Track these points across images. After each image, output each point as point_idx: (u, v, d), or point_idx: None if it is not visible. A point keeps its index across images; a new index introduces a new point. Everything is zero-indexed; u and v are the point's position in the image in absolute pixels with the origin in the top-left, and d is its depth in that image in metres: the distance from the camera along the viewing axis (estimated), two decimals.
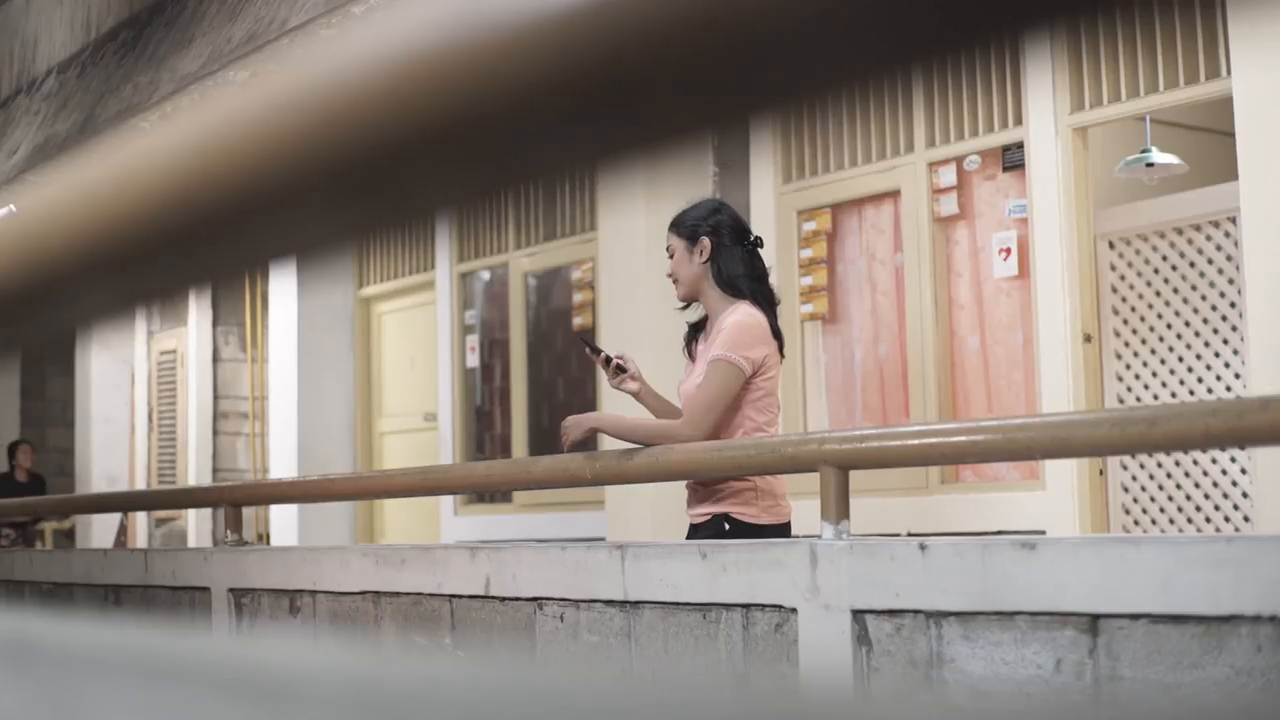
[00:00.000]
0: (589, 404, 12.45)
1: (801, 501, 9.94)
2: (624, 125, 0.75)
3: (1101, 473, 9.29)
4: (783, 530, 5.92)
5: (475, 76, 0.77)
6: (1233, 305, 8.97)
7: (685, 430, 5.89)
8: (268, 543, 14.90)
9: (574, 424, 6.19)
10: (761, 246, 6.19)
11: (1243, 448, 8.16)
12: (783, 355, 6.11)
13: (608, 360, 6.15)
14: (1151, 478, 9.22)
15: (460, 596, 6.18)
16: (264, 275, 13.62)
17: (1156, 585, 3.96)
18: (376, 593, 6.62)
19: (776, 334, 6.01)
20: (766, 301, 6.05)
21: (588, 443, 6.16)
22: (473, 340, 13.98)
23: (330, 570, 6.92)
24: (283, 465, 15.16)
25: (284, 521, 14.76)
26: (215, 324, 17.21)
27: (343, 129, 0.84)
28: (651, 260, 11.03)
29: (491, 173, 0.82)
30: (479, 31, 0.76)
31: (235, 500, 8.17)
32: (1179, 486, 9.07)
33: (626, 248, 11.20)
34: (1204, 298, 9.12)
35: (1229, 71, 8.43)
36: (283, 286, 15.21)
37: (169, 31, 15.24)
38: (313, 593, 7.02)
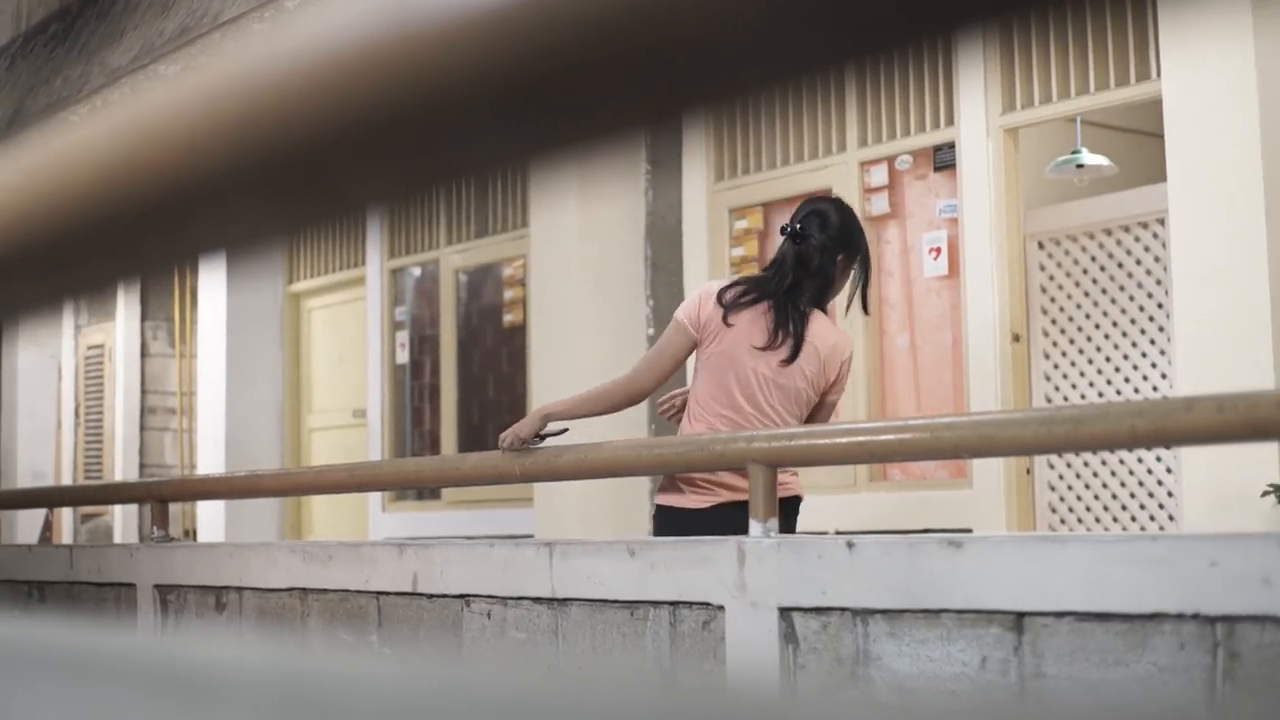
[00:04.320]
0: (519, 401, 12.44)
1: None
2: (555, 122, 0.75)
3: (1028, 472, 9.34)
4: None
5: (407, 71, 0.76)
6: (1160, 306, 9.03)
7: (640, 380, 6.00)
8: (194, 539, 14.82)
9: (522, 424, 6.06)
10: (789, 234, 6.02)
11: (1168, 448, 8.22)
12: (782, 350, 5.89)
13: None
14: (1078, 477, 9.27)
15: (388, 593, 6.16)
16: (193, 270, 13.55)
17: (1081, 583, 3.98)
18: (303, 589, 6.60)
19: (779, 327, 5.88)
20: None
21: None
22: (403, 337, 13.94)
23: (257, 567, 6.89)
24: (210, 461, 15.08)
25: (211, 518, 14.69)
26: (144, 319, 17.09)
27: (274, 123, 0.84)
28: (583, 257, 11.04)
29: (422, 168, 0.82)
30: (411, 26, 0.76)
31: (162, 496, 8.12)
32: (1105, 486, 9.12)
33: (558, 245, 11.19)
34: (1132, 298, 9.17)
35: (1159, 74, 8.49)
36: (212, 281, 15.13)
37: (100, 24, 15.14)
38: (239, 589, 6.99)
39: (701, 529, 5.58)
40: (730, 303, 5.89)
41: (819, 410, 5.96)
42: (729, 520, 5.50)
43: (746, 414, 5.90)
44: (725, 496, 5.80)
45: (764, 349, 5.85)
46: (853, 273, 6.04)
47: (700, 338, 5.95)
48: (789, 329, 5.83)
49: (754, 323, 5.89)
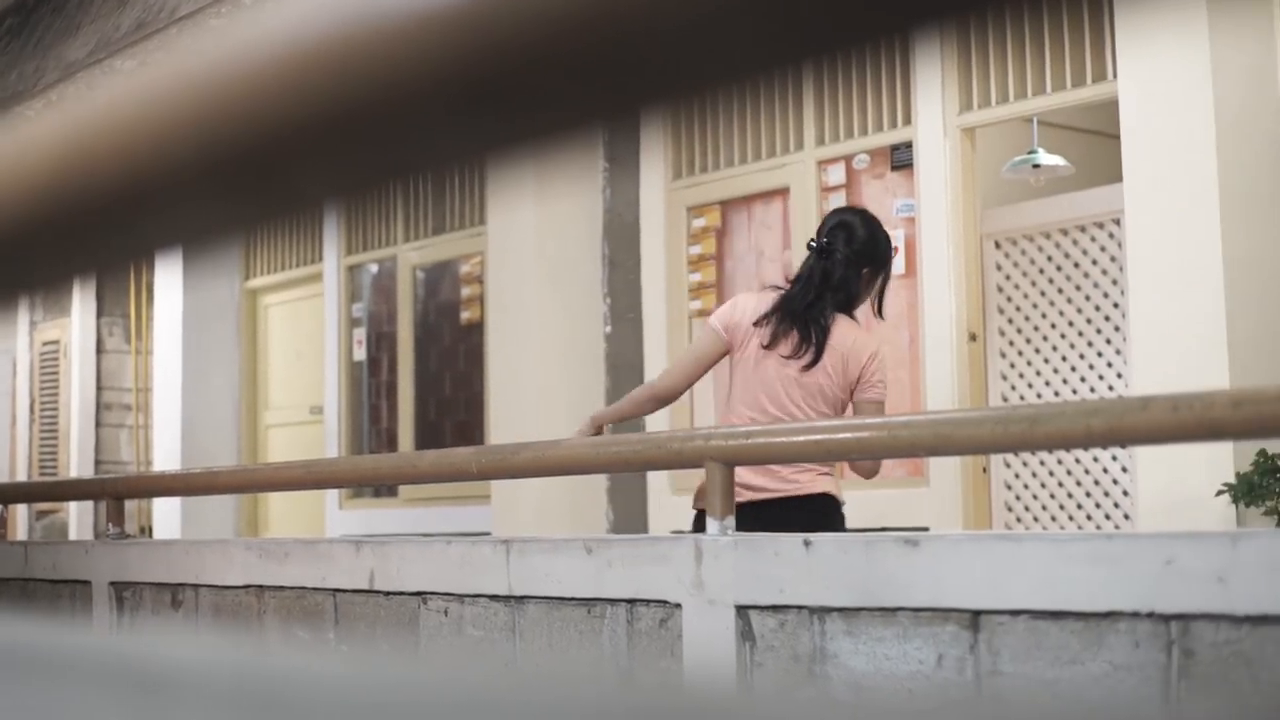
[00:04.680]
0: (476, 399, 12.43)
1: (688, 498, 9.96)
2: (513, 118, 0.75)
3: (985, 470, 9.37)
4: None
5: (364, 67, 0.76)
6: (1116, 306, 9.06)
7: None
8: (150, 536, 14.77)
9: (577, 433, 6.26)
10: (815, 249, 6.22)
11: (1124, 447, 8.25)
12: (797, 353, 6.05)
13: None
14: (1034, 476, 9.31)
15: (344, 590, 6.15)
16: (149, 266, 13.50)
17: (1037, 582, 4.00)
18: (260, 586, 6.58)
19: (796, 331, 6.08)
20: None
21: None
22: (360, 333, 13.91)
23: (213, 564, 6.87)
24: (166, 458, 15.03)
25: (167, 515, 14.64)
26: (99, 315, 17.03)
27: (230, 118, 0.84)
28: (540, 255, 11.03)
29: (379, 164, 0.82)
30: (369, 21, 0.76)
31: (117, 493, 8.08)
32: (1061, 485, 9.16)
33: (516, 242, 11.18)
34: (1088, 298, 9.21)
35: (1115, 74, 8.52)
36: (168, 278, 15.07)
37: (56, 19, 15.07)
38: (195, 586, 6.97)
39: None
40: (758, 316, 6.08)
41: (858, 413, 6.05)
42: (752, 519, 5.59)
43: (771, 415, 6.03)
44: (746, 496, 5.79)
45: (788, 357, 6.02)
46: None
47: (731, 341, 6.11)
48: (810, 340, 5.99)
49: (779, 332, 6.04)
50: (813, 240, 6.19)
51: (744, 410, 6.10)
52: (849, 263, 6.09)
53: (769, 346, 6.03)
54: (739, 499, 5.58)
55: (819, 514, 5.93)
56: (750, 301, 6.21)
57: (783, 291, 6.19)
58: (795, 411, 6.03)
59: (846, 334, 6.08)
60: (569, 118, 0.74)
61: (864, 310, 6.29)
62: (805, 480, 5.98)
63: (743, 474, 5.72)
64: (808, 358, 6.00)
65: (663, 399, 6.26)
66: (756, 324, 6.06)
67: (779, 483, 5.99)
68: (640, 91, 0.71)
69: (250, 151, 0.84)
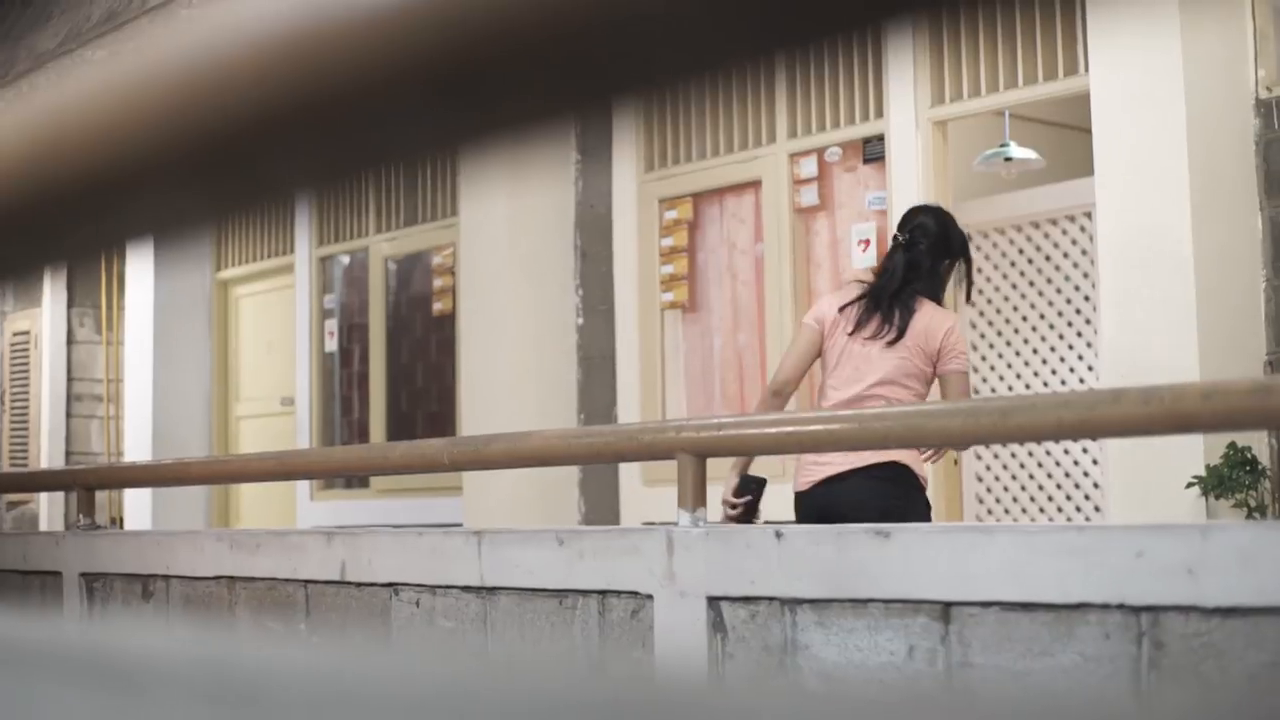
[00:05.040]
0: (448, 390, 12.41)
1: (660, 489, 9.98)
2: (484, 109, 0.75)
3: (956, 462, 9.38)
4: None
5: (336, 57, 0.76)
6: (1086, 299, 9.09)
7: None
8: (121, 527, 14.72)
9: (725, 487, 6.64)
10: (900, 243, 6.72)
11: (1094, 439, 8.27)
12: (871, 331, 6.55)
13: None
14: (1005, 468, 9.33)
15: (316, 581, 6.15)
16: (121, 256, 13.46)
17: (1008, 573, 4.01)
18: (231, 578, 6.57)
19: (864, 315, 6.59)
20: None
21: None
22: (331, 325, 13.89)
23: (184, 555, 6.86)
24: (137, 449, 14.99)
25: (138, 506, 14.60)
26: (70, 305, 16.98)
27: (202, 108, 0.84)
28: (512, 246, 11.02)
29: (351, 154, 0.82)
30: (340, 12, 0.76)
31: (88, 483, 8.07)
32: (1032, 477, 9.18)
33: (488, 234, 11.17)
34: (1059, 291, 9.23)
35: (1087, 68, 8.53)
36: (140, 268, 15.03)
37: (26, 8, 15.02)
38: (166, 577, 6.96)
39: (806, 508, 6.49)
40: (848, 306, 6.59)
41: (945, 386, 6.50)
42: (828, 492, 6.37)
43: (862, 397, 6.46)
44: (822, 473, 6.43)
45: (873, 338, 6.50)
46: (958, 267, 6.77)
47: (823, 331, 6.60)
48: (894, 320, 6.49)
49: (865, 317, 6.54)
50: (898, 235, 6.70)
51: (834, 393, 6.55)
52: (932, 254, 6.61)
53: (855, 331, 6.51)
54: (816, 476, 6.45)
55: (887, 480, 6.38)
56: (833, 298, 6.76)
57: (867, 283, 6.69)
58: (882, 390, 6.46)
59: (927, 313, 6.52)
60: (541, 108, 0.74)
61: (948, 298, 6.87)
62: (875, 451, 6.30)
63: (824, 454, 6.35)
64: (891, 335, 6.46)
65: (782, 393, 6.66)
66: (841, 310, 6.57)
67: (847, 456, 6.36)
68: (612, 82, 0.71)
69: (222, 141, 0.84)
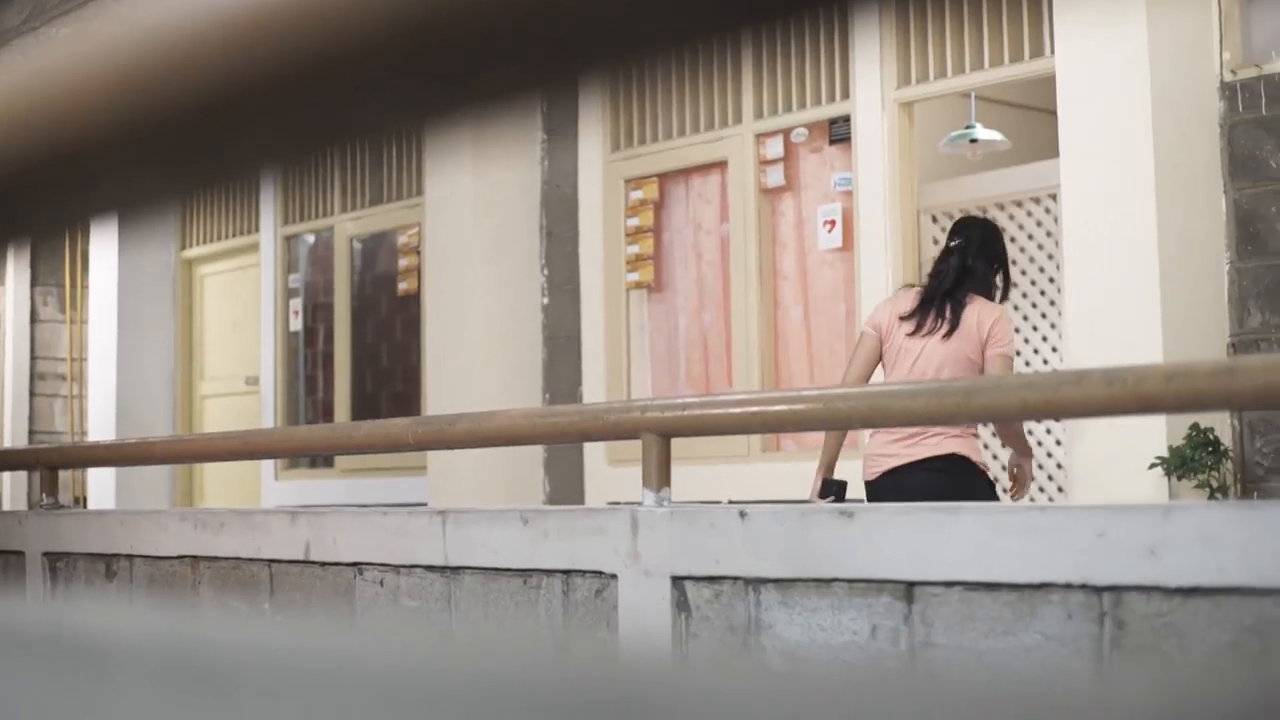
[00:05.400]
0: (413, 370, 12.40)
1: (624, 469, 9.98)
2: (449, 82, 0.74)
3: None
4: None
5: (300, 31, 0.76)
6: (1051, 280, 9.12)
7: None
8: (84, 506, 14.69)
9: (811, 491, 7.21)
10: (954, 248, 7.18)
11: (1058, 420, 8.30)
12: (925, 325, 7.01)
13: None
14: None
15: (280, 561, 6.14)
16: (85, 235, 13.42)
17: (971, 553, 4.02)
18: (195, 557, 6.56)
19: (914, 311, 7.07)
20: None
21: None
22: (296, 304, 13.86)
23: (148, 534, 6.84)
24: (101, 428, 14.95)
25: (101, 485, 14.56)
26: (34, 284, 16.90)
27: (166, 84, 0.83)
28: (478, 226, 11.01)
29: (315, 130, 0.82)
30: None
31: (51, 463, 8.04)
32: (996, 457, 9.20)
33: (453, 213, 11.15)
34: (1024, 272, 9.26)
35: (1052, 50, 8.55)
36: (104, 247, 14.98)
37: None
38: (130, 557, 6.94)
39: (873, 497, 6.84)
40: (906, 310, 7.04)
41: (987, 368, 6.91)
42: (890, 483, 6.80)
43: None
44: (886, 464, 6.86)
45: (930, 333, 6.95)
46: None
47: (880, 336, 7.06)
48: (946, 314, 6.95)
49: (923, 315, 6.99)
50: (952, 241, 7.18)
51: None
52: (981, 258, 7.08)
53: (915, 332, 6.98)
54: (881, 467, 6.88)
55: (943, 473, 6.77)
56: (889, 305, 7.23)
57: (921, 287, 7.19)
58: (934, 378, 6.82)
59: (977, 306, 6.96)
60: (506, 83, 0.74)
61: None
62: (932, 444, 6.80)
63: (878, 444, 6.92)
64: (945, 328, 6.91)
65: None
66: (903, 318, 7.01)
67: (908, 449, 6.83)
68: (578, 57, 0.71)
69: (185, 118, 0.84)
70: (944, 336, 6.92)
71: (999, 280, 7.20)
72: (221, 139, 0.84)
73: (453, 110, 0.76)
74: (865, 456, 7.09)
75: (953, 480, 6.72)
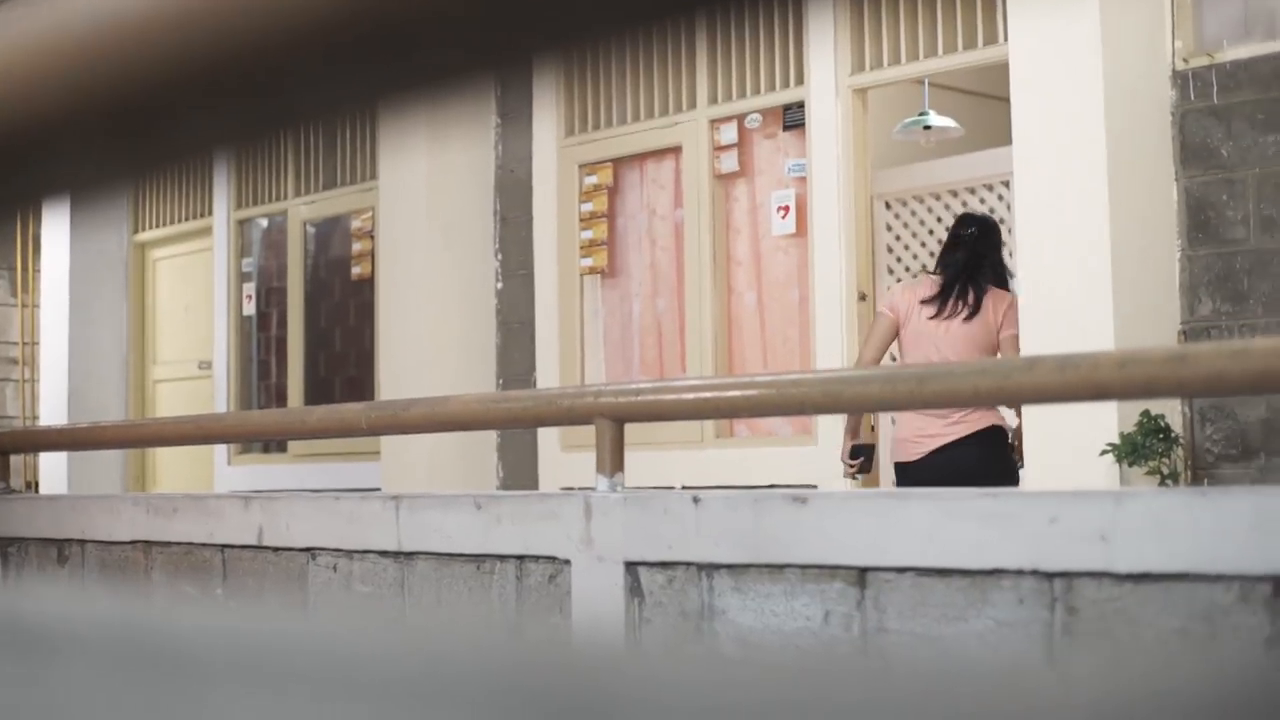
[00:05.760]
0: (366, 355, 12.38)
1: (578, 454, 9.98)
2: (402, 62, 0.74)
3: (873, 429, 9.42)
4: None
5: (252, 11, 0.76)
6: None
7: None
8: (36, 491, 14.62)
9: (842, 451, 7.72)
10: (969, 237, 7.61)
11: (1010, 406, 8.33)
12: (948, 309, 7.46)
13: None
14: None
15: (233, 546, 6.12)
16: (37, 218, 13.35)
17: (923, 539, 4.03)
18: (147, 542, 6.54)
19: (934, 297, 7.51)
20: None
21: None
22: (250, 288, 13.82)
23: (100, 519, 6.81)
24: (53, 412, 14.88)
25: (53, 470, 14.50)
26: None
27: (117, 65, 0.83)
28: (431, 211, 10.99)
29: (268, 111, 0.82)
30: None
31: (2, 447, 7.99)
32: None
33: (407, 198, 11.13)
34: None
35: (1006, 38, 8.57)
36: (55, 230, 14.91)
37: None
38: (82, 542, 6.92)
39: (918, 479, 7.27)
40: (927, 294, 7.44)
41: (1003, 347, 7.42)
42: (946, 460, 7.24)
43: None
44: (932, 444, 7.31)
45: (950, 316, 7.38)
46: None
47: (898, 319, 7.47)
48: (968, 298, 7.39)
49: (944, 300, 7.41)
50: (962, 230, 7.62)
51: None
52: (991, 246, 7.56)
53: (936, 315, 7.38)
54: (927, 447, 7.31)
55: (989, 444, 7.34)
56: (907, 290, 7.64)
57: (937, 274, 7.56)
58: (956, 358, 7.23)
59: (993, 293, 7.44)
60: (460, 63, 0.74)
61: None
62: (975, 419, 7.29)
63: (912, 429, 7.37)
64: (966, 311, 7.36)
65: None
66: (924, 301, 7.40)
67: (953, 427, 7.28)
68: (530, 38, 0.71)
69: (137, 99, 0.84)
70: (965, 319, 7.37)
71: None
72: (173, 120, 0.84)
73: (405, 92, 0.76)
74: (899, 440, 7.54)
75: (995, 450, 7.36)
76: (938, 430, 7.32)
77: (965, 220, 7.83)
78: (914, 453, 7.40)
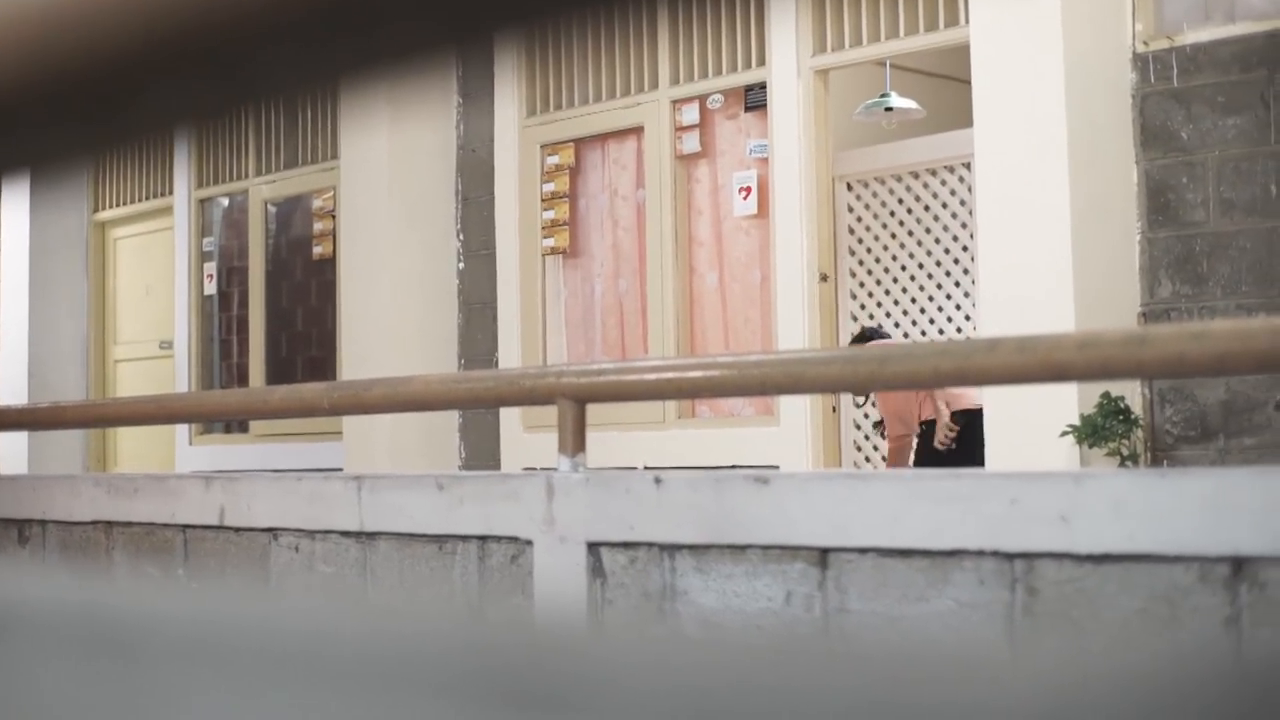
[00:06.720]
0: (328, 335, 12.36)
1: (540, 435, 9.98)
2: (361, 38, 0.74)
3: (834, 410, 9.45)
4: None
5: None
6: (965, 249, 9.17)
7: None
8: None
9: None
10: None
11: (971, 387, 8.35)
12: None
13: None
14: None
15: (194, 526, 6.11)
16: None
17: (885, 520, 4.04)
18: (108, 522, 6.52)
19: None
20: None
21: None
22: (211, 268, 13.79)
23: (61, 499, 6.79)
24: (12, 392, 14.83)
25: (13, 449, 14.45)
26: None
27: (75, 39, 0.83)
28: (392, 190, 10.98)
29: (228, 88, 0.81)
30: None
31: None
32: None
33: (368, 177, 11.12)
34: (937, 240, 9.31)
35: (967, 20, 8.59)
36: (14, 209, 14.85)
37: None
38: (42, 522, 6.89)
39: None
40: None
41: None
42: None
43: None
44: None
45: None
46: None
47: None
48: None
49: None
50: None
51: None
52: None
53: None
54: (975, 406, 8.26)
55: (974, 426, 8.17)
56: None
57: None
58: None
59: None
60: (419, 38, 0.74)
61: None
62: (961, 397, 8.11)
63: (970, 393, 8.15)
64: None
65: None
66: None
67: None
68: (490, 13, 0.71)
69: (96, 74, 0.83)
70: None
71: None
72: (134, 96, 0.84)
73: (367, 68, 0.76)
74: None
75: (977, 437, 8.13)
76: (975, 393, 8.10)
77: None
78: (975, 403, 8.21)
